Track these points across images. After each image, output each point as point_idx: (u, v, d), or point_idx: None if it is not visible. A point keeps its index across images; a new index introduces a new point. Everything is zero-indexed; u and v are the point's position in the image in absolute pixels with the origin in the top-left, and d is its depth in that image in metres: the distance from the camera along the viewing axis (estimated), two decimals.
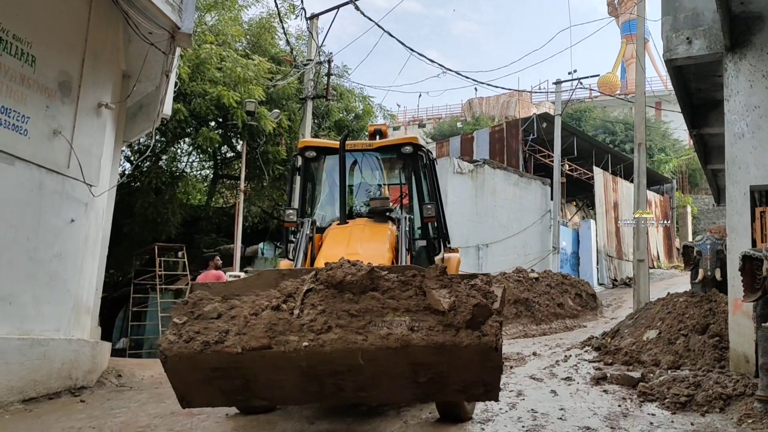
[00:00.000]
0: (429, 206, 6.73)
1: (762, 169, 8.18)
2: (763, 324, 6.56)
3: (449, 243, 7.60)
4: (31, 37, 6.98)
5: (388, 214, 6.79)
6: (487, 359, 4.28)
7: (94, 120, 7.88)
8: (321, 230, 6.63)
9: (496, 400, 4.85)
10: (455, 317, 4.20)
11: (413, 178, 7.08)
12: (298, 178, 7.35)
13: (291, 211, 6.69)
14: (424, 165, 7.09)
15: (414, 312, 4.29)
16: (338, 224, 6.49)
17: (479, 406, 6.61)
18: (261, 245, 22.25)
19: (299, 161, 7.22)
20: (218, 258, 13.56)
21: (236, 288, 4.68)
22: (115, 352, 17.19)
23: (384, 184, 7.75)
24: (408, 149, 6.87)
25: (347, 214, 6.83)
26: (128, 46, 8.98)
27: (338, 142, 6.81)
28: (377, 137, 7.44)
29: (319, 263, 5.66)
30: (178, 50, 9.27)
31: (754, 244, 8.08)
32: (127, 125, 10.79)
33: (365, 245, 5.97)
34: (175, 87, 15.04)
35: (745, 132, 8.35)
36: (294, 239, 6.75)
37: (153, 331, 16.48)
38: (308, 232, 6.24)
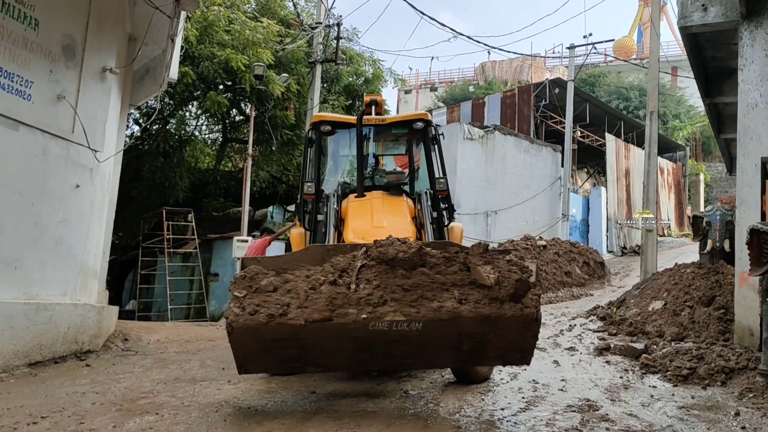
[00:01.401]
0: (442, 180, 6.98)
1: None
2: (767, 298, 6.52)
3: (455, 213, 7.73)
4: (34, 0, 6.89)
5: (402, 187, 7.18)
6: (528, 329, 4.68)
7: (99, 84, 7.81)
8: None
9: (528, 363, 5.15)
10: (500, 291, 4.55)
11: (423, 152, 7.36)
12: (311, 151, 7.46)
13: (310, 183, 6.88)
14: (433, 139, 7.29)
15: (460, 286, 4.62)
16: (356, 197, 6.73)
17: None
18: (270, 209, 22.30)
19: (311, 134, 7.38)
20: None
21: (284, 262, 4.98)
22: (125, 314, 17.48)
23: (380, 155, 8.02)
24: (420, 125, 7.20)
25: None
26: (134, 8, 8.88)
27: (350, 117, 7.30)
28: (373, 107, 7.63)
29: (347, 236, 6.03)
30: (184, 14, 9.15)
31: (763, 216, 7.97)
32: (134, 89, 10.74)
33: (389, 218, 6.26)
34: (182, 50, 14.93)
35: (759, 102, 8.19)
36: (308, 209, 6.94)
37: (162, 294, 16.68)
38: (335, 207, 6.49)
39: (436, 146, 7.33)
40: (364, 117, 7.26)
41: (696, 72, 10.92)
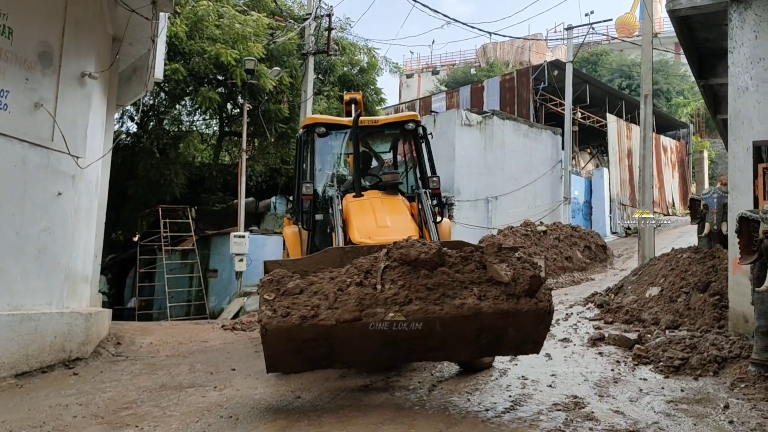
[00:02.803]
0: (435, 179, 7.31)
1: (766, 124, 7.91)
2: (757, 288, 6.43)
3: (444, 210, 7.94)
4: (6, 9, 6.78)
5: (399, 187, 7.43)
6: (541, 321, 5.03)
7: (78, 90, 7.71)
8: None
9: (539, 352, 5.55)
10: (516, 287, 4.84)
11: (414, 151, 7.76)
12: (306, 152, 7.70)
13: (309, 184, 7.12)
14: (423, 138, 7.61)
15: (478, 284, 4.89)
16: (354, 196, 6.90)
17: (469, 374, 6.64)
18: (273, 199, 22.29)
19: (304, 136, 7.69)
20: None
21: (305, 264, 5.24)
22: (127, 312, 17.55)
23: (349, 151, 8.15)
24: (411, 126, 7.55)
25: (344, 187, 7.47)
26: (115, 9, 8.77)
27: (343, 119, 7.75)
28: (353, 106, 8.05)
29: (353, 236, 6.18)
30: (164, 14, 9.07)
31: (756, 201, 7.87)
32: (122, 89, 10.70)
33: (391, 217, 6.50)
34: (172, 47, 14.85)
35: (750, 85, 8.05)
36: (306, 209, 7.22)
37: (162, 291, 16.69)
38: (340, 207, 6.63)
39: (426, 145, 7.60)
40: (350, 119, 7.47)
41: (688, 54, 10.78)
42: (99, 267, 9.95)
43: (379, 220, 6.39)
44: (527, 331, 5.11)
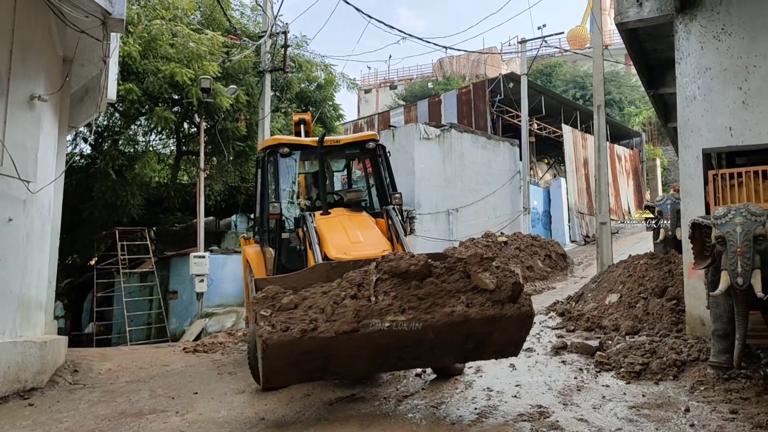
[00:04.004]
0: (398, 195, 7.60)
1: (714, 132, 8.15)
2: (711, 293, 6.57)
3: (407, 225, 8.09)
4: None
5: (363, 204, 7.75)
6: (524, 325, 5.35)
7: (27, 113, 7.52)
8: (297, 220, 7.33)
9: (517, 355, 5.94)
10: (500, 294, 5.12)
11: (375, 169, 8.02)
12: (269, 173, 7.79)
13: (276, 204, 7.33)
14: (381, 156, 7.91)
15: (464, 292, 5.14)
16: (321, 214, 7.07)
17: (434, 388, 6.63)
18: (234, 218, 22.04)
19: (267, 156, 7.81)
20: None
21: (294, 281, 5.43)
22: (85, 337, 17.12)
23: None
24: (372, 144, 7.82)
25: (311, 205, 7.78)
26: (64, 30, 8.60)
27: (306, 139, 8.10)
28: (302, 126, 8.54)
29: (329, 252, 6.33)
30: (116, 35, 8.93)
31: (707, 207, 8.06)
32: (74, 110, 10.50)
33: (362, 233, 6.72)
34: (125, 67, 14.63)
35: (697, 95, 8.28)
36: (272, 228, 7.48)
37: (121, 315, 16.30)
38: (314, 225, 6.77)
39: (385, 164, 7.87)
40: (315, 139, 7.74)
41: (637, 65, 11.03)
42: (54, 293, 9.71)
43: (351, 236, 6.59)
44: (510, 335, 5.39)
